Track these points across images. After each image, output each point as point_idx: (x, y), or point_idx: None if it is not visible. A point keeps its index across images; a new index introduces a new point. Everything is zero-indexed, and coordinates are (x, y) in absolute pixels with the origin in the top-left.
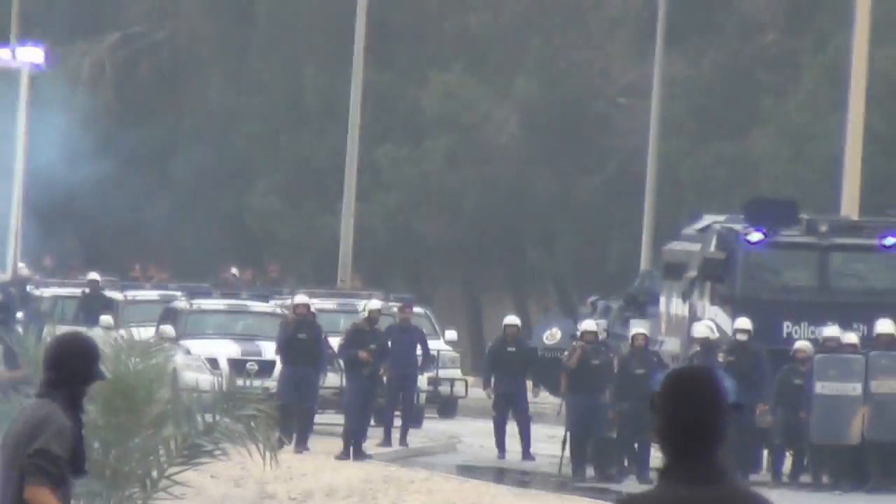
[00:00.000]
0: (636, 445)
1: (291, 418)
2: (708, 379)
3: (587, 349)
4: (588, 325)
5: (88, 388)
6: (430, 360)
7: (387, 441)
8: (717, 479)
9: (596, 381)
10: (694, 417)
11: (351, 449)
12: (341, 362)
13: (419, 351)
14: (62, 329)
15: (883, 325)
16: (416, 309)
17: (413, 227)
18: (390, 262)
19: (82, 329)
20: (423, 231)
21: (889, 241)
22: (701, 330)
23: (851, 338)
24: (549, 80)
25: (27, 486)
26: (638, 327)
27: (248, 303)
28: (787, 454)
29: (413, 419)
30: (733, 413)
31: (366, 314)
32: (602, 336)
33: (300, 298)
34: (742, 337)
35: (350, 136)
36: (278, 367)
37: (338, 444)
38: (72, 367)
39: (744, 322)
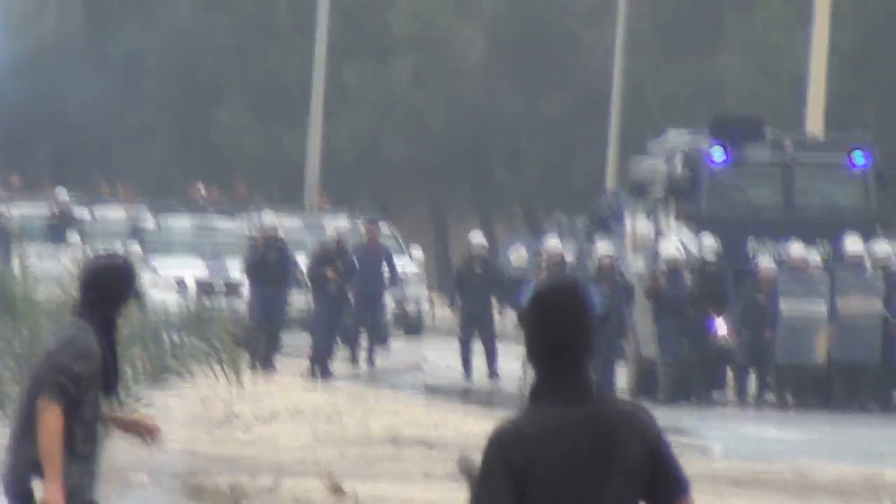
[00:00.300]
0: (601, 365)
1: (260, 339)
2: (573, 293)
3: (552, 269)
4: (552, 244)
5: (122, 308)
6: (397, 279)
7: (353, 360)
8: (585, 397)
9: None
10: (560, 332)
11: (317, 368)
12: (308, 281)
13: (386, 269)
14: (34, 247)
15: (852, 244)
16: (383, 227)
17: (380, 145)
18: (357, 180)
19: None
20: (389, 150)
21: (855, 157)
22: (669, 251)
23: (815, 258)
24: (514, 2)
25: (41, 397)
26: (603, 247)
27: (216, 221)
28: (751, 373)
29: (379, 338)
30: (598, 326)
31: (334, 233)
32: (567, 255)
33: (268, 219)
34: (709, 257)
35: (317, 53)
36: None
37: (304, 364)
38: (106, 287)
39: (709, 241)
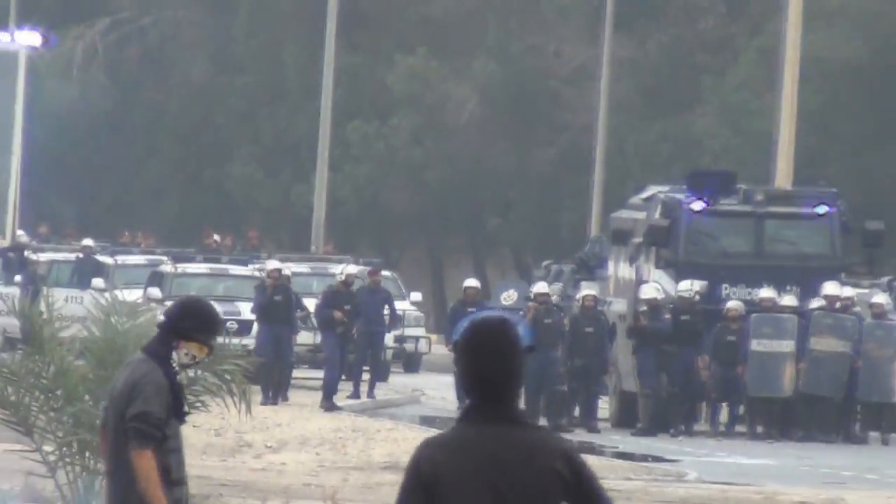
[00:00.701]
0: (585, 397)
1: (270, 374)
2: (501, 328)
3: (540, 310)
4: (541, 287)
5: (205, 349)
6: (397, 320)
7: (356, 394)
8: (507, 420)
9: (549, 338)
10: (488, 364)
11: (323, 400)
12: (314, 320)
13: (387, 311)
14: (60, 291)
15: (829, 287)
16: (385, 272)
17: (381, 197)
18: (360, 229)
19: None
20: (389, 201)
21: (821, 209)
22: (649, 291)
23: (790, 300)
24: (506, 61)
25: (130, 451)
26: (587, 289)
27: (229, 267)
28: (724, 406)
29: (380, 374)
30: (528, 356)
31: (342, 277)
32: (555, 298)
33: (273, 264)
34: (695, 297)
35: (323, 112)
36: (255, 326)
37: (311, 397)
38: (179, 323)
39: (695, 284)
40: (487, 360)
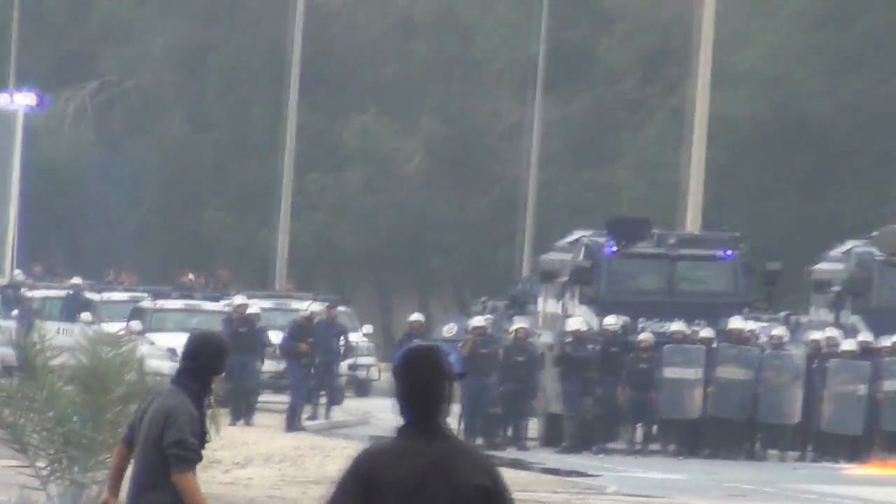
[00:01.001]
0: (516, 419)
1: (237, 398)
2: (430, 355)
3: (477, 341)
4: (477, 321)
5: (215, 378)
6: (350, 350)
7: (314, 415)
8: (435, 436)
9: (484, 366)
10: (418, 387)
11: (287, 421)
12: (278, 351)
13: (342, 342)
14: (52, 324)
15: (734, 322)
16: (340, 308)
17: (336, 240)
18: (318, 269)
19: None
20: (344, 244)
21: (728, 252)
22: (574, 324)
23: (707, 332)
24: (448, 120)
25: (174, 475)
26: (519, 322)
27: (202, 303)
28: (639, 426)
29: (335, 398)
30: (457, 381)
31: (307, 313)
32: (489, 330)
33: (239, 300)
34: (619, 330)
35: (286, 165)
36: None
37: (274, 419)
38: (204, 361)
39: (620, 319)
40: (418, 384)
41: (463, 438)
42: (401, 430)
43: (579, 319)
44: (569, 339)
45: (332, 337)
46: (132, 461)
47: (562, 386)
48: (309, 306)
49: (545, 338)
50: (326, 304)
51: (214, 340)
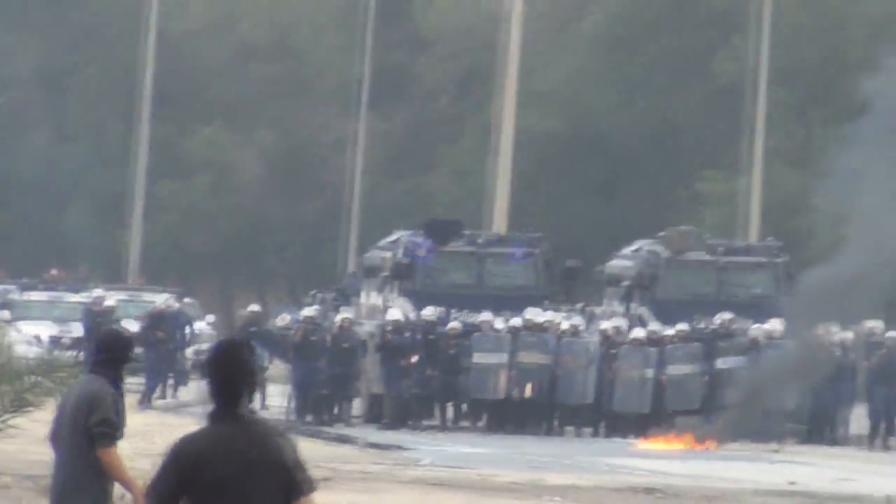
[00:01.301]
0: (342, 399)
1: None
2: (236, 350)
3: (307, 329)
4: (308, 311)
5: (125, 366)
6: (194, 337)
7: (163, 395)
8: (239, 419)
9: (314, 352)
10: (225, 375)
11: (140, 401)
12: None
13: (187, 330)
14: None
15: (531, 313)
16: (187, 299)
17: (183, 240)
18: (168, 265)
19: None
20: (190, 243)
21: (531, 250)
22: (394, 314)
23: (516, 321)
24: (283, 132)
25: (100, 450)
26: (345, 313)
27: (64, 294)
28: (449, 406)
29: (182, 379)
30: (260, 372)
31: (163, 305)
32: (318, 319)
33: (97, 292)
34: (436, 320)
35: (139, 173)
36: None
37: (127, 399)
38: (117, 352)
39: (437, 310)
40: (224, 375)
41: (294, 417)
42: (210, 415)
43: (398, 310)
44: (389, 328)
45: (179, 326)
46: (55, 461)
47: (382, 369)
48: (166, 300)
49: (368, 327)
50: (175, 296)
51: (124, 335)
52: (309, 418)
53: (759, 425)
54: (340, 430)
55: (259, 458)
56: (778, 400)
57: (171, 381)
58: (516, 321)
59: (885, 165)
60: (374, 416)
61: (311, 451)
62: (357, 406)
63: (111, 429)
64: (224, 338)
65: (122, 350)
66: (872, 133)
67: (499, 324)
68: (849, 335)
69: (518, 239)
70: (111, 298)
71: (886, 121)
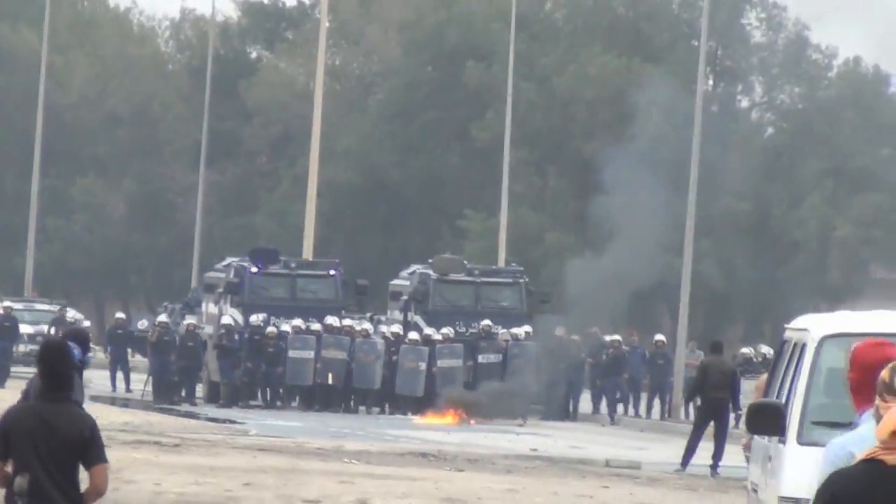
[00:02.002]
0: (188, 384)
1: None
2: (59, 346)
3: (161, 331)
4: (162, 318)
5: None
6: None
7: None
8: (57, 400)
9: (166, 349)
10: (50, 366)
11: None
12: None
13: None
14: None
15: (329, 319)
16: (68, 309)
17: (68, 264)
18: (56, 283)
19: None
20: (73, 266)
21: (332, 271)
22: (226, 320)
23: (317, 326)
24: (143, 181)
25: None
26: (189, 319)
27: None
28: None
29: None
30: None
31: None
32: (169, 324)
33: (5, 303)
34: (262, 324)
35: (31, 212)
36: None
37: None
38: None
39: (260, 316)
40: (50, 362)
41: (151, 398)
42: (38, 396)
43: (229, 318)
44: (222, 331)
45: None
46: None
47: (219, 362)
48: (58, 311)
49: (207, 329)
50: (58, 307)
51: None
52: (162, 399)
53: (508, 406)
54: (187, 408)
55: (64, 433)
56: (524, 386)
57: None
58: (319, 326)
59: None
60: (213, 397)
61: (165, 423)
62: (200, 390)
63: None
64: (49, 338)
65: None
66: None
67: (306, 328)
68: (577, 337)
69: (323, 264)
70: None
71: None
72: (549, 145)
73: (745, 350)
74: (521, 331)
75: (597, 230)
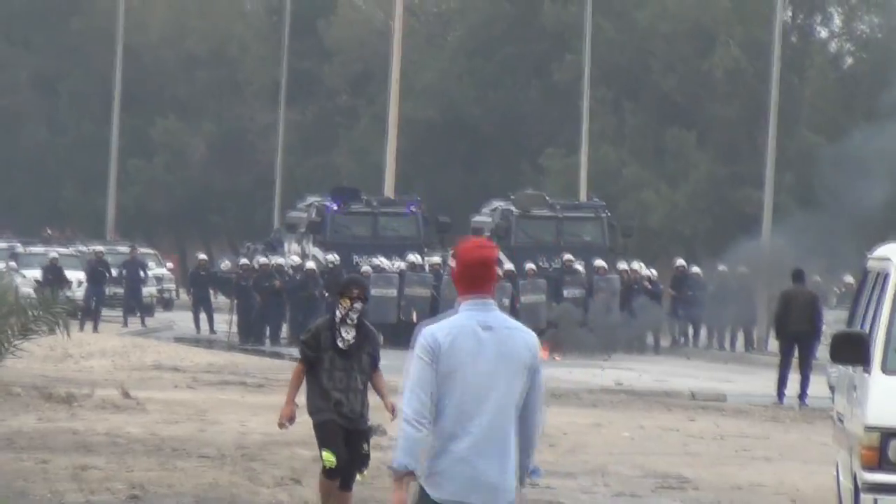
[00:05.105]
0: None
1: (86, 313)
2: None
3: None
4: (244, 260)
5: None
6: (147, 278)
7: (125, 323)
8: None
9: (250, 290)
10: None
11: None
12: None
13: (141, 274)
14: None
15: (412, 257)
16: (148, 250)
17: (148, 206)
18: (137, 226)
19: None
20: (154, 208)
21: (413, 209)
22: (310, 265)
23: (399, 264)
24: (222, 122)
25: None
26: (277, 259)
27: (57, 248)
28: None
29: (147, 311)
30: None
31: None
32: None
33: (97, 247)
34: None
35: (112, 152)
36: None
37: (111, 327)
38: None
39: (334, 255)
40: None
41: (237, 339)
42: None
43: (315, 257)
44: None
45: (136, 269)
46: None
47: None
48: (94, 249)
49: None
50: (129, 247)
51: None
52: (247, 340)
53: (593, 340)
54: (272, 348)
55: None
56: (609, 320)
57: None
58: (403, 264)
59: None
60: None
61: (249, 363)
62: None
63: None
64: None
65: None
66: None
67: (389, 265)
68: (654, 271)
69: (402, 202)
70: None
71: None
72: (627, 82)
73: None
74: (604, 264)
75: (675, 163)
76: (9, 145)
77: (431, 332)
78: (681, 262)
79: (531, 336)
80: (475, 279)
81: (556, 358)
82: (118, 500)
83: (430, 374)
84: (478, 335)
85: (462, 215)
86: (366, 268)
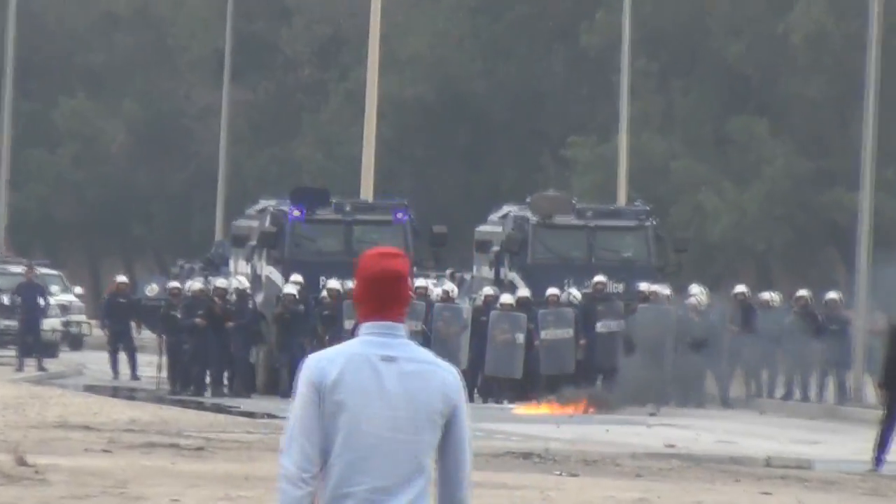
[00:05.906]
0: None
1: None
2: None
3: (175, 299)
4: (174, 283)
5: None
6: (48, 307)
7: (20, 367)
8: None
9: (181, 322)
10: None
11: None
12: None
13: (41, 301)
14: None
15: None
16: (50, 270)
17: (51, 210)
18: (36, 237)
19: None
20: (58, 214)
21: (399, 215)
22: (289, 289)
23: (421, 283)
24: (148, 102)
25: None
26: (219, 281)
27: None
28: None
29: (49, 351)
30: None
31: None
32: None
33: None
34: (293, 291)
35: (3, 143)
36: None
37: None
38: None
39: (297, 277)
40: None
41: (167, 386)
42: None
43: (291, 286)
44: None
45: (33, 296)
46: None
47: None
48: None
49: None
50: (25, 266)
51: None
52: (177, 388)
53: (637, 389)
54: (213, 399)
55: None
56: (658, 363)
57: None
58: None
59: None
60: (249, 385)
61: (183, 420)
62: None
63: None
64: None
65: None
66: None
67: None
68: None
69: (385, 206)
70: None
71: None
72: (678, 49)
73: None
74: (655, 288)
75: (742, 157)
76: None
77: (316, 360)
78: (741, 288)
79: (450, 374)
80: (379, 299)
81: (590, 411)
82: None
83: (313, 414)
84: (375, 368)
85: (463, 224)
86: (333, 286)
